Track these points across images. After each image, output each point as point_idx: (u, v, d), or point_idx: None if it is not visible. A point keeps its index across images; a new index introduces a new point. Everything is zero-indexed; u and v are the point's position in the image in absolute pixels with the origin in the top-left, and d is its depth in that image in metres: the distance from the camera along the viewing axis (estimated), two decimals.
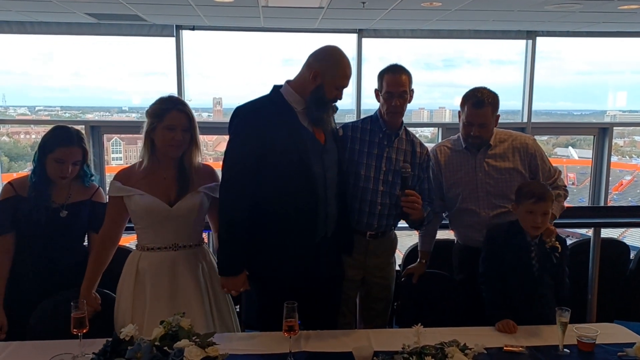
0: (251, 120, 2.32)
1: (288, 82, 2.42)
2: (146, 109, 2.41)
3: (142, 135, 2.38)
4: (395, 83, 2.56)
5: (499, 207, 2.69)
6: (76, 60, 6.08)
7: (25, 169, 6.28)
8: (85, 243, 2.65)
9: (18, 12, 4.74)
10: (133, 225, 2.46)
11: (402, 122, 2.69)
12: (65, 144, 2.46)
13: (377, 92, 2.66)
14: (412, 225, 2.74)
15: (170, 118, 2.34)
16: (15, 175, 3.97)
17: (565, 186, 2.85)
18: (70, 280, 2.45)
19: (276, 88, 2.42)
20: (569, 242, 4.15)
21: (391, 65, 2.61)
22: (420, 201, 2.51)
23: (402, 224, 2.77)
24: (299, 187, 2.32)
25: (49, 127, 2.57)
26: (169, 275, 2.38)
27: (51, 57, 6.22)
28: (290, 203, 2.31)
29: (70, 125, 2.57)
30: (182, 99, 2.50)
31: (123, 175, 2.42)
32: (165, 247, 2.40)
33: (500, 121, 2.76)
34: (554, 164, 2.86)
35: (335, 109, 2.46)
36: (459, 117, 2.75)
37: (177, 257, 2.41)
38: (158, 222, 2.38)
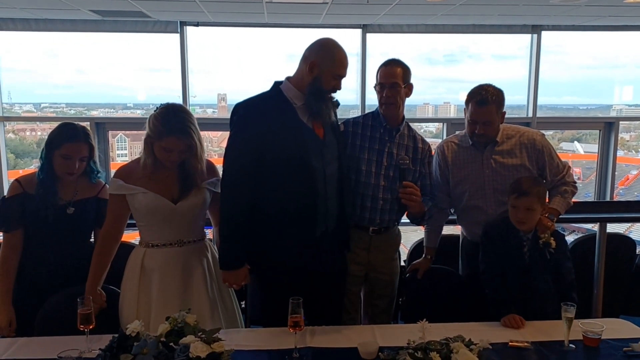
0: (250, 117, 2.32)
1: (288, 78, 2.43)
2: (153, 109, 2.38)
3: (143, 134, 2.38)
4: (387, 75, 2.57)
5: (506, 205, 2.68)
6: (81, 57, 6.10)
7: (31, 166, 6.31)
8: (92, 240, 2.66)
9: (22, 9, 4.76)
10: (135, 222, 2.47)
11: (404, 117, 2.68)
12: (72, 140, 2.46)
13: (376, 88, 2.67)
14: (413, 220, 2.74)
15: (168, 142, 2.31)
16: (21, 172, 3.99)
17: (575, 182, 2.81)
18: (77, 277, 2.45)
19: (276, 84, 2.43)
20: (574, 237, 4.16)
21: (387, 59, 2.62)
22: (418, 193, 2.51)
23: (406, 219, 2.77)
24: (299, 182, 2.32)
25: (54, 124, 2.57)
26: (179, 271, 2.39)
27: (56, 54, 6.25)
28: (290, 198, 2.32)
29: (76, 122, 2.57)
30: (189, 111, 2.41)
31: (124, 173, 2.42)
32: (170, 244, 2.41)
33: (505, 116, 2.74)
34: (565, 161, 2.83)
35: (337, 104, 2.46)
36: (465, 113, 2.75)
37: (184, 252, 2.42)
38: (162, 220, 2.39)
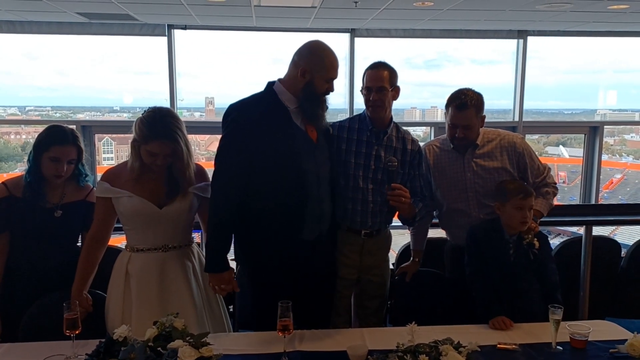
0: (243, 118, 2.32)
1: (280, 80, 2.42)
2: (139, 113, 2.36)
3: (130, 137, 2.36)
4: (373, 78, 2.57)
5: (488, 207, 2.70)
6: (67, 60, 6.06)
7: (16, 170, 6.24)
8: (79, 243, 2.64)
9: (8, 11, 4.71)
10: (122, 225, 2.44)
11: (392, 119, 2.68)
12: (60, 142, 2.44)
13: (362, 91, 2.67)
14: (405, 222, 2.75)
15: (153, 146, 2.30)
16: (5, 176, 3.94)
17: (555, 183, 2.85)
18: (64, 281, 2.43)
19: (269, 85, 2.42)
20: (560, 240, 4.19)
21: (373, 62, 2.63)
22: (407, 195, 2.50)
23: (395, 222, 2.77)
24: (290, 185, 2.31)
25: (39, 128, 2.56)
26: (156, 276, 2.36)
27: (42, 56, 6.19)
28: (282, 200, 2.31)
29: (64, 125, 2.55)
30: (177, 116, 2.42)
31: (111, 176, 2.40)
32: (155, 249, 2.39)
33: (491, 120, 2.76)
34: (545, 163, 2.86)
35: (326, 107, 2.45)
36: (445, 117, 2.76)
37: (167, 258, 2.40)
38: (147, 224, 2.36)
